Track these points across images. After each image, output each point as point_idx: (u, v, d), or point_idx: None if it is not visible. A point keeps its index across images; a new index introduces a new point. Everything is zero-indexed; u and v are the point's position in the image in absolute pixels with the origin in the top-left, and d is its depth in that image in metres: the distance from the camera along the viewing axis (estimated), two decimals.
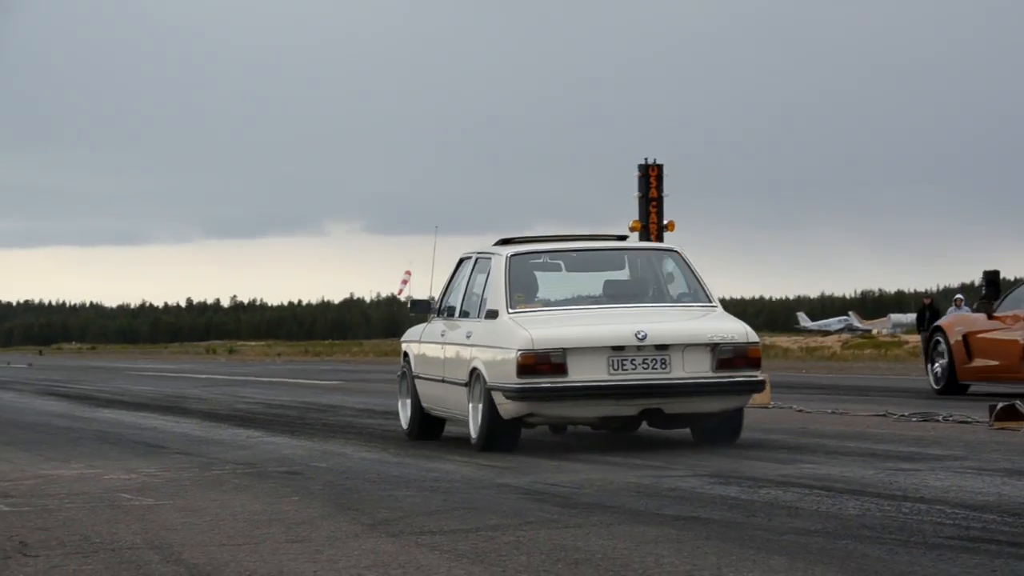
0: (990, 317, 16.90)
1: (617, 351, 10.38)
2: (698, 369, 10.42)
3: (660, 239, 18.19)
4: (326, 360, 57.42)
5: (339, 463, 10.63)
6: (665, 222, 18.40)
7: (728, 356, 10.42)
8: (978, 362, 16.95)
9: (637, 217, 18.45)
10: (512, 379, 10.36)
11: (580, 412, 10.76)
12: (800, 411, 15.08)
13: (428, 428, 12.28)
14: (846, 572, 5.70)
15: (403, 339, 13.13)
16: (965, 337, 17.12)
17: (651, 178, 18.49)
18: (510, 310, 10.82)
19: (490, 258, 11.35)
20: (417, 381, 12.22)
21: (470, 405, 10.96)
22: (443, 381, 11.63)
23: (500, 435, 10.73)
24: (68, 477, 10.13)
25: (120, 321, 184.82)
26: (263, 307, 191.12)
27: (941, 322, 18.32)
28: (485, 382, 10.64)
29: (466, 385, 11.01)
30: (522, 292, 11.03)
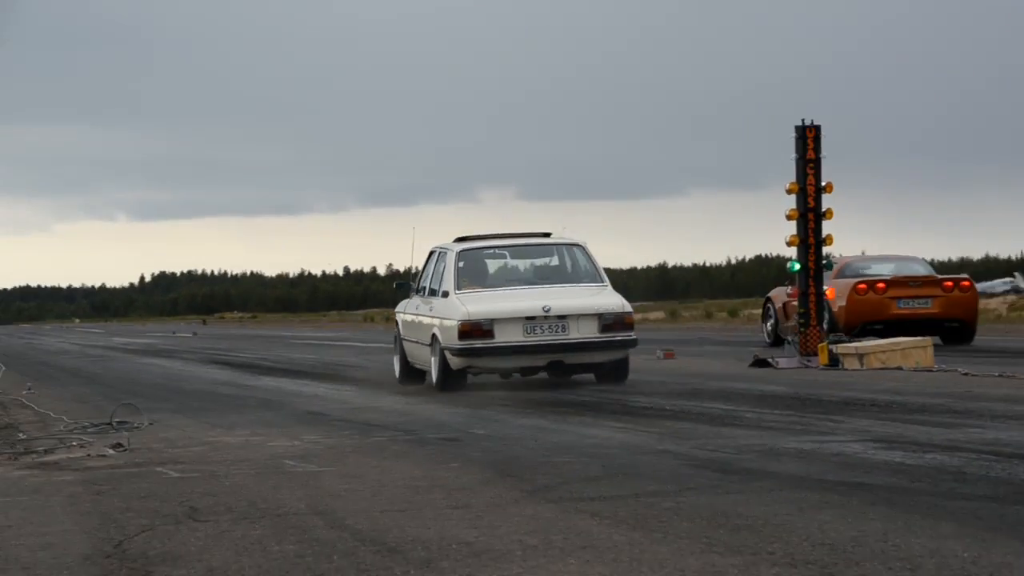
0: (788, 277, 21.49)
1: (529, 320, 14.17)
2: (588, 332, 14.18)
3: (818, 201, 17.89)
4: None
5: (496, 429, 10.70)
6: (823, 184, 18.05)
7: (610, 322, 14.24)
8: (790, 322, 21.37)
9: (794, 179, 18.13)
10: (455, 341, 14.16)
11: (504, 364, 14.55)
12: (965, 374, 14.76)
13: (412, 376, 15.94)
14: (1018, 539, 5.56)
15: (396, 310, 16.96)
16: (784, 304, 22.60)
17: (808, 140, 18.08)
18: (457, 291, 14.60)
19: (447, 252, 15.21)
20: (403, 342, 16.15)
21: (432, 359, 14.74)
22: (418, 342, 15.44)
23: (451, 381, 14.44)
24: (233, 444, 10.35)
25: (279, 290, 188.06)
26: (418, 275, 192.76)
27: (771, 293, 23.86)
28: (439, 343, 14.45)
29: (429, 345, 14.83)
30: (468, 278, 14.85)
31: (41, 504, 7.36)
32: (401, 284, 17.47)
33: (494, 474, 8.00)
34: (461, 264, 15.02)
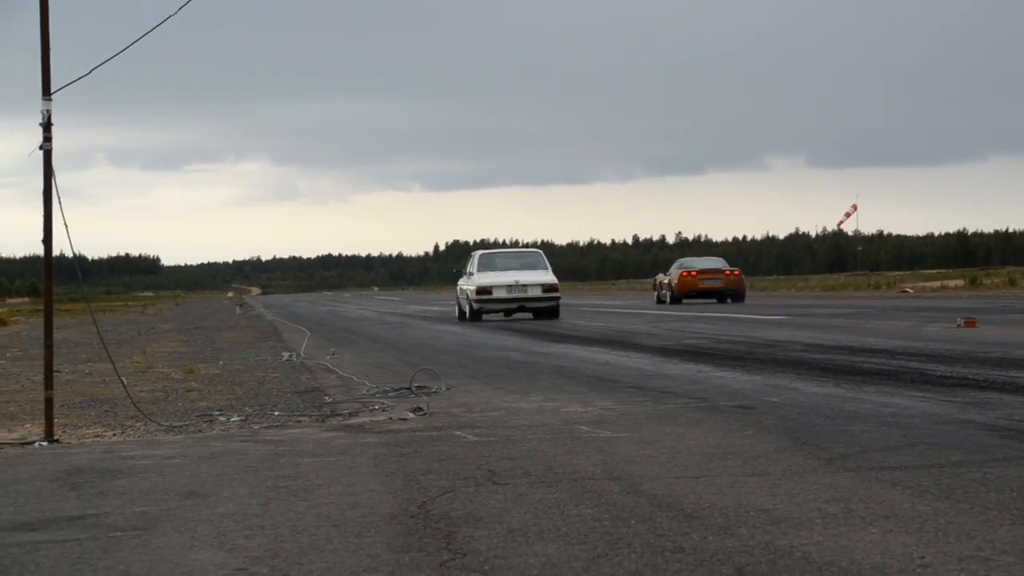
0: (665, 273, 43.63)
1: (509, 286, 30.47)
2: (536, 293, 30.35)
3: None
4: (772, 295, 57.05)
5: (791, 398, 10.55)
6: None
7: (547, 288, 30.54)
8: (661, 292, 43.39)
9: None
10: (475, 296, 30.67)
11: (497, 307, 30.65)
12: None
13: (462, 317, 31.95)
14: None
15: (458, 283, 33.30)
16: (659, 283, 43.85)
17: None
18: (478, 273, 31.09)
19: (475, 254, 32.43)
20: (458, 300, 32.82)
21: (466, 307, 31.37)
22: (462, 299, 31.98)
23: (473, 316, 31.02)
24: (528, 409, 10.50)
25: (570, 259, 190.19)
26: (708, 243, 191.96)
27: (656, 277, 45.13)
28: (469, 297, 31.14)
29: (466, 300, 31.45)
30: (484, 267, 31.20)
31: (348, 465, 7.62)
32: (458, 271, 34.58)
33: (790, 442, 7.89)
34: (481, 260, 32.13)
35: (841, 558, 4.83)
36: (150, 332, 32.52)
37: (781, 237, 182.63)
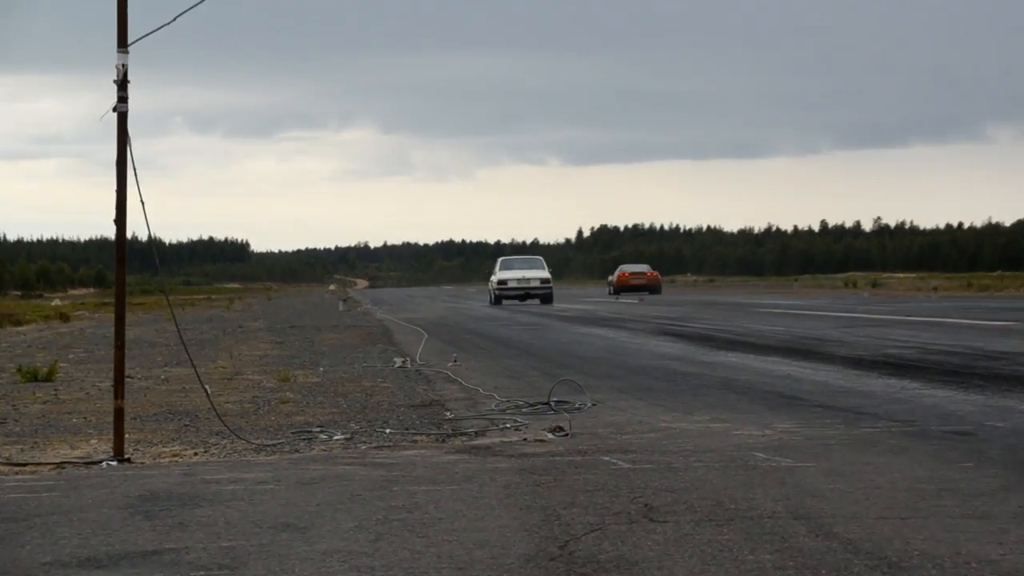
0: (612, 275, 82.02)
1: (519, 280, 58.42)
2: (536, 284, 58.13)
3: None
4: (995, 296, 56.18)
5: (1021, 423, 10.39)
6: None
7: (543, 280, 58.57)
8: (609, 288, 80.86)
9: None
10: (497, 286, 58.91)
11: (511, 295, 57.88)
12: None
13: (490, 302, 60.18)
14: None
15: (489, 280, 62.92)
16: (609, 280, 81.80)
17: None
18: (500, 272, 59.73)
19: (499, 260, 62.90)
20: (489, 290, 62.63)
21: (492, 294, 59.92)
22: (490, 289, 61.44)
23: (496, 302, 58.20)
24: (692, 431, 10.47)
25: (742, 248, 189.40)
26: (913, 231, 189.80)
27: (609, 277, 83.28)
28: (494, 288, 59.52)
29: (492, 289, 60.45)
30: (504, 268, 59.80)
31: (475, 495, 7.66)
32: (489, 273, 62.47)
33: (1020, 477, 7.78)
34: (502, 263, 59.43)
35: None
36: (237, 331, 33.08)
37: (1007, 224, 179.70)
